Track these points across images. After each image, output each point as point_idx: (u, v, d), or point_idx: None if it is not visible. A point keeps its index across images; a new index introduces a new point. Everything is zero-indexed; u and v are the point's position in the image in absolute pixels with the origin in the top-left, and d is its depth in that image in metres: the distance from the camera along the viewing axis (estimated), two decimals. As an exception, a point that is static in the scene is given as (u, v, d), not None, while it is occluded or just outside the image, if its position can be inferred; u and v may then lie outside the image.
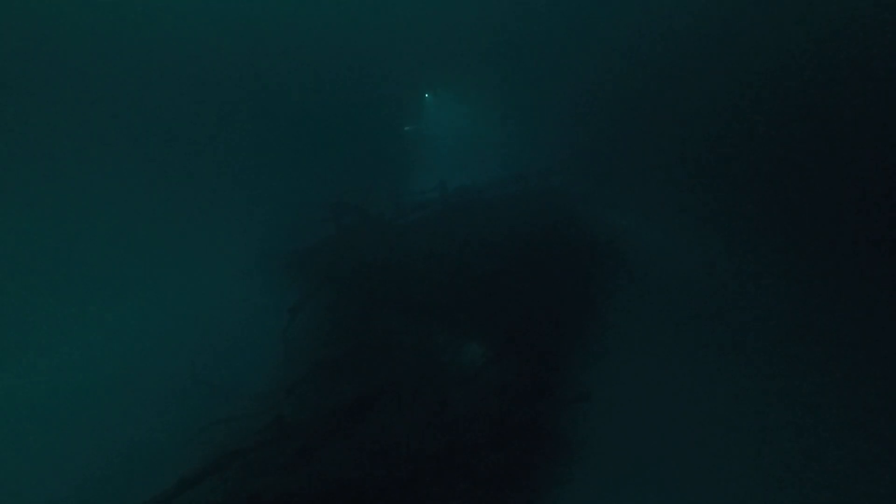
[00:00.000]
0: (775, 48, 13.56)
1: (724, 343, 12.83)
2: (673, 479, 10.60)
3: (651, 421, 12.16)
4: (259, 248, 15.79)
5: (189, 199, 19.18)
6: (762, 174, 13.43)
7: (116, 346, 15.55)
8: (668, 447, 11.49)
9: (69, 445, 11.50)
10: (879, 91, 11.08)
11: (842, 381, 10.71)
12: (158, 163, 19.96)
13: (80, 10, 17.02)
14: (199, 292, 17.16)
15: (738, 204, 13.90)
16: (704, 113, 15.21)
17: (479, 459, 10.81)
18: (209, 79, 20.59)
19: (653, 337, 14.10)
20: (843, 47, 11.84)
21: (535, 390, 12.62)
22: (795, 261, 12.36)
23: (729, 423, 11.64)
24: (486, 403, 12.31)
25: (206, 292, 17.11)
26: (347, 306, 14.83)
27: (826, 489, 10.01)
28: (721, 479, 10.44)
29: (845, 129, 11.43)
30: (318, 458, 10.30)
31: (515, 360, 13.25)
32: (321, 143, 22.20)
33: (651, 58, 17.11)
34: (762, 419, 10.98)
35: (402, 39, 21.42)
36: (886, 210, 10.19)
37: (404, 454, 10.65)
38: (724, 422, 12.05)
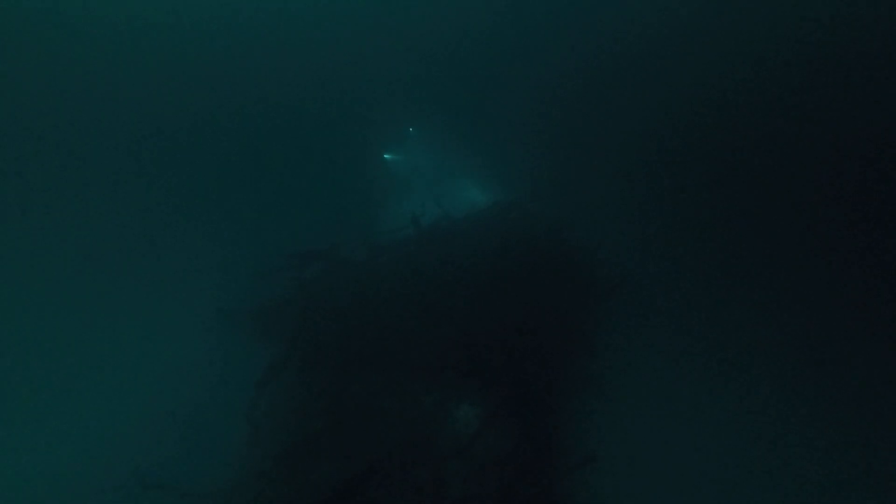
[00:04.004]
0: (749, 47, 12.96)
1: (739, 376, 11.89)
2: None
3: (666, 480, 11.03)
4: (212, 308, 13.88)
5: (119, 250, 16.49)
6: (749, 183, 12.73)
7: (33, 452, 12.62)
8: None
9: None
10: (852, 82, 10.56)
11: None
12: (90, 208, 17.48)
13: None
14: (138, 371, 14.52)
15: (728, 218, 13.14)
16: (681, 125, 14.51)
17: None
18: (159, 110, 18.40)
19: (659, 374, 13.05)
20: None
21: (538, 455, 11.34)
22: (800, 276, 11.61)
23: (753, 464, 10.63)
24: (485, 477, 10.94)
25: (147, 369, 14.55)
26: (320, 371, 13.19)
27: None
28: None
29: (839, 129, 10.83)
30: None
31: (513, 421, 11.95)
32: (287, 179, 20.26)
33: (623, 79, 16.37)
34: (798, 463, 10.02)
35: (382, 75, 19.91)
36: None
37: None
38: (746, 459, 11.05)
